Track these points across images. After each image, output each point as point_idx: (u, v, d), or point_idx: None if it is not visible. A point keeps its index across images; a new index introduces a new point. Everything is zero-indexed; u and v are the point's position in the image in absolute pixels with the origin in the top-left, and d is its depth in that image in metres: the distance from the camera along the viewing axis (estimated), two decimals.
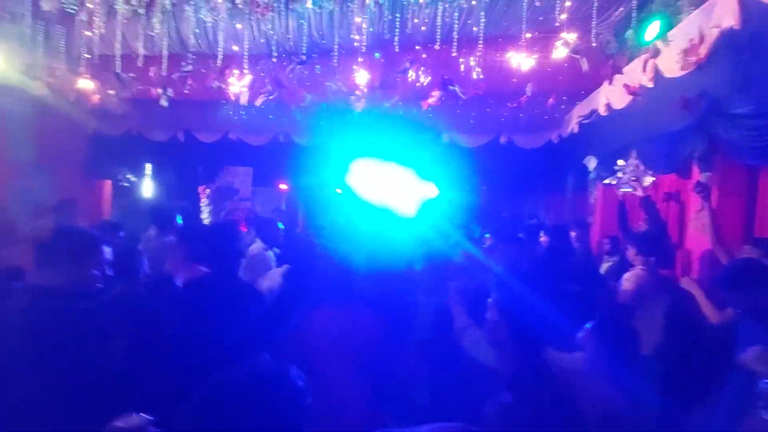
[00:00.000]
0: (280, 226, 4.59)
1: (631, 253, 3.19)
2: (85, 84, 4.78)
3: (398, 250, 3.20)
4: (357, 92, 4.02)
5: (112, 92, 4.79)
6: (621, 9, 4.17)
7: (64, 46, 4.83)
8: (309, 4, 4.38)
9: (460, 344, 1.97)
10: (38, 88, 5.39)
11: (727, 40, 2.73)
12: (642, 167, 4.30)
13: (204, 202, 8.32)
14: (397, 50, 3.93)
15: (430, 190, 6.66)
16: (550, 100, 4.12)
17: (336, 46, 4.12)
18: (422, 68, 3.89)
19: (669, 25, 3.20)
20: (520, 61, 3.90)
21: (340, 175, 6.96)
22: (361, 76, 3.94)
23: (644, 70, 3.87)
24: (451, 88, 3.70)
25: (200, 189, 8.19)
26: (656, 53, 3.55)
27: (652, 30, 3.30)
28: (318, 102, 5.16)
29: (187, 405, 0.90)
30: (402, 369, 1.98)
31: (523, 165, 7.00)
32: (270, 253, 3.89)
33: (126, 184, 7.92)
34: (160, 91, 4.47)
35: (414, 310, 2.27)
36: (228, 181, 8.10)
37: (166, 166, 7.87)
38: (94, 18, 4.63)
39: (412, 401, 1.94)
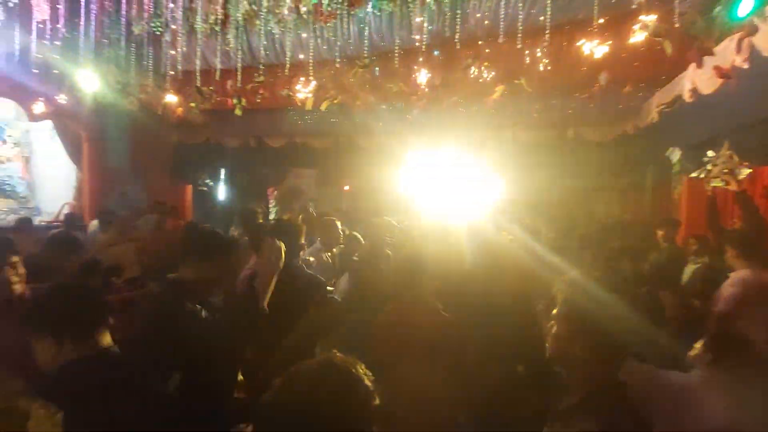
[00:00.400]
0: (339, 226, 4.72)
1: (730, 254, 2.87)
2: (171, 98, 5.29)
3: (461, 250, 3.17)
4: (418, 92, 4.03)
5: (193, 105, 5.25)
6: None
7: (152, 65, 5.39)
8: (369, 8, 4.48)
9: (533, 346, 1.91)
10: (131, 104, 6.06)
11: None
12: (736, 158, 3.85)
13: (272, 203, 8.83)
14: (458, 47, 3.87)
15: (492, 189, 6.46)
16: (626, 88, 3.82)
17: (396, 48, 4.16)
18: (485, 63, 3.80)
19: None
20: (592, 48, 3.65)
21: (402, 175, 7.00)
22: (422, 76, 3.94)
23: (738, 49, 3.45)
24: (516, 82, 3.56)
25: (269, 190, 8.69)
26: (752, 30, 3.16)
27: (746, 4, 2.95)
28: (379, 103, 5.24)
29: (265, 396, 0.95)
30: (473, 369, 1.96)
31: (593, 159, 6.55)
32: (327, 254, 3.88)
33: (204, 188, 8.63)
34: (235, 101, 4.81)
35: (483, 310, 2.24)
36: (294, 182, 8.52)
37: (238, 170, 8.46)
38: (177, 38, 5.11)
39: (484, 402, 1.91)
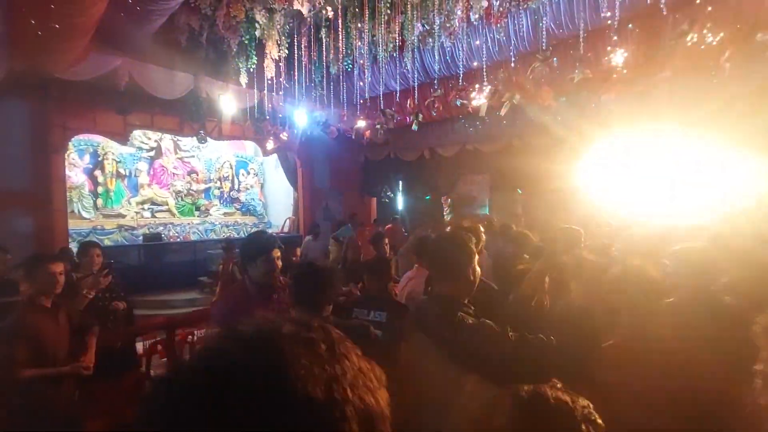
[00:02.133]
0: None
1: None
2: (360, 124, 6.07)
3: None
4: (611, 77, 3.53)
5: (378, 126, 5.89)
6: None
7: (346, 98, 6.30)
8: None
9: None
10: (331, 134, 7.22)
11: None
12: None
13: (446, 209, 9.11)
14: (666, 12, 3.21)
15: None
16: None
17: (581, 31, 3.76)
18: (708, 25, 3.03)
19: None
20: None
21: (584, 173, 6.26)
22: (618, 56, 3.41)
23: None
24: (760, 36, 2.73)
25: (443, 198, 9.00)
26: None
27: None
28: (559, 97, 4.83)
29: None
30: None
31: None
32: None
33: (386, 200, 9.54)
34: (412, 117, 5.19)
35: None
36: (467, 188, 8.61)
37: (414, 181, 9.06)
38: (364, 70, 5.85)
39: None
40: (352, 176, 9.14)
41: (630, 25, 4.34)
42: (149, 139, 9.01)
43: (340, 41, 5.34)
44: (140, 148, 8.94)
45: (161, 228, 8.89)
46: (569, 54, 4.67)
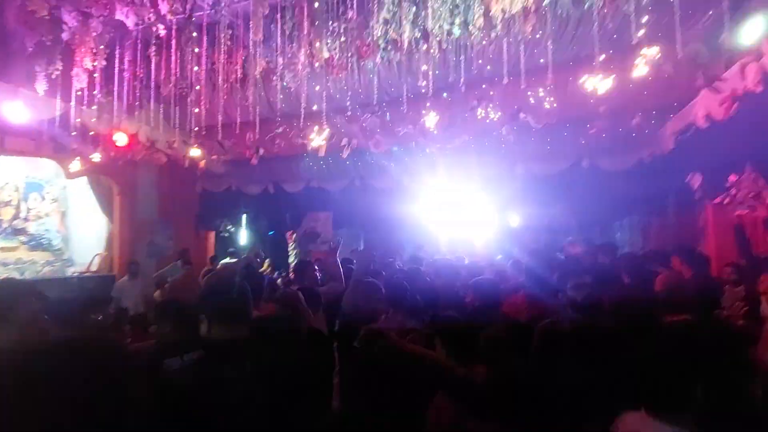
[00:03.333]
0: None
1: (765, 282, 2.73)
2: (195, 152, 5.60)
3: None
4: (427, 134, 4.15)
5: (215, 157, 5.53)
6: (709, 14, 3.82)
7: (179, 122, 5.77)
8: (378, 59, 4.73)
9: None
10: (159, 159, 6.44)
11: None
12: (761, 181, 3.73)
13: (291, 246, 8.98)
14: (464, 90, 4.01)
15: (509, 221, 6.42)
16: (635, 119, 3.83)
17: (405, 93, 4.34)
18: (491, 105, 3.91)
19: None
20: (596, 83, 3.72)
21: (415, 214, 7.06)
22: (431, 119, 4.08)
23: (748, 74, 3.45)
24: (522, 117, 3.63)
25: (288, 234, 8.87)
26: (760, 55, 3.17)
27: (752, 29, 2.97)
28: (391, 146, 5.40)
29: None
30: None
31: (611, 189, 6.45)
32: None
33: (226, 234, 8.88)
34: (253, 151, 5.05)
35: None
36: (311, 225, 8.67)
37: (259, 215, 8.72)
38: (201, 96, 5.50)
39: None
40: (186, 207, 8.25)
41: (445, 95, 5.24)
42: None
43: (173, 63, 4.93)
44: None
45: None
46: (399, 110, 5.33)
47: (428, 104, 4.27)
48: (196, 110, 5.49)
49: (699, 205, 4.99)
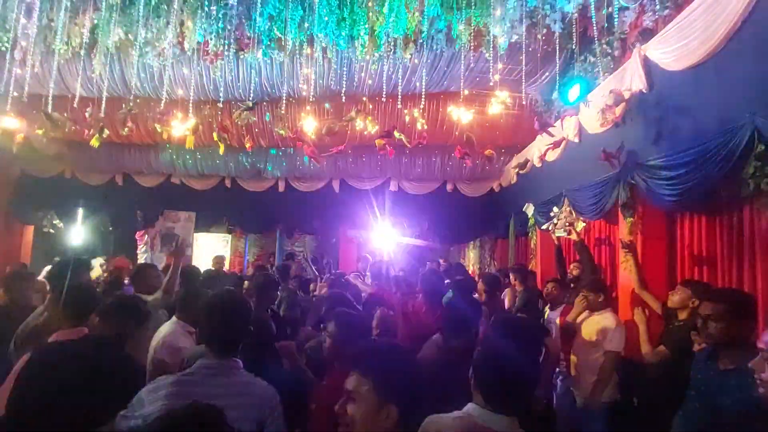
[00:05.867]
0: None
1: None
2: (11, 122, 4.47)
3: None
4: (305, 139, 4.07)
5: (40, 132, 4.50)
6: (547, 73, 4.66)
7: None
8: (259, 55, 4.49)
9: None
10: None
11: (638, 101, 3.11)
12: (574, 213, 4.61)
13: (141, 248, 7.79)
14: (344, 100, 4.07)
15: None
16: (487, 151, 4.39)
17: (285, 95, 4.21)
18: (369, 118, 4.04)
19: (588, 88, 3.58)
20: (460, 115, 4.16)
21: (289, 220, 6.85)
22: (309, 124, 4.01)
23: (569, 126, 4.27)
24: (397, 135, 3.83)
25: (138, 234, 7.69)
26: (579, 112, 3.94)
27: (575, 92, 3.66)
28: (269, 147, 5.14)
29: None
30: None
31: (470, 212, 7.30)
32: None
33: (51, 230, 7.28)
34: (92, 131, 4.25)
35: None
36: (168, 226, 7.67)
37: (99, 210, 7.37)
38: (28, 57, 4.45)
39: None
40: None
41: (327, 105, 5.24)
42: None
43: None
44: None
45: None
46: (276, 110, 5.12)
47: (308, 108, 4.20)
48: (19, 71, 4.40)
49: (532, 230, 5.94)
